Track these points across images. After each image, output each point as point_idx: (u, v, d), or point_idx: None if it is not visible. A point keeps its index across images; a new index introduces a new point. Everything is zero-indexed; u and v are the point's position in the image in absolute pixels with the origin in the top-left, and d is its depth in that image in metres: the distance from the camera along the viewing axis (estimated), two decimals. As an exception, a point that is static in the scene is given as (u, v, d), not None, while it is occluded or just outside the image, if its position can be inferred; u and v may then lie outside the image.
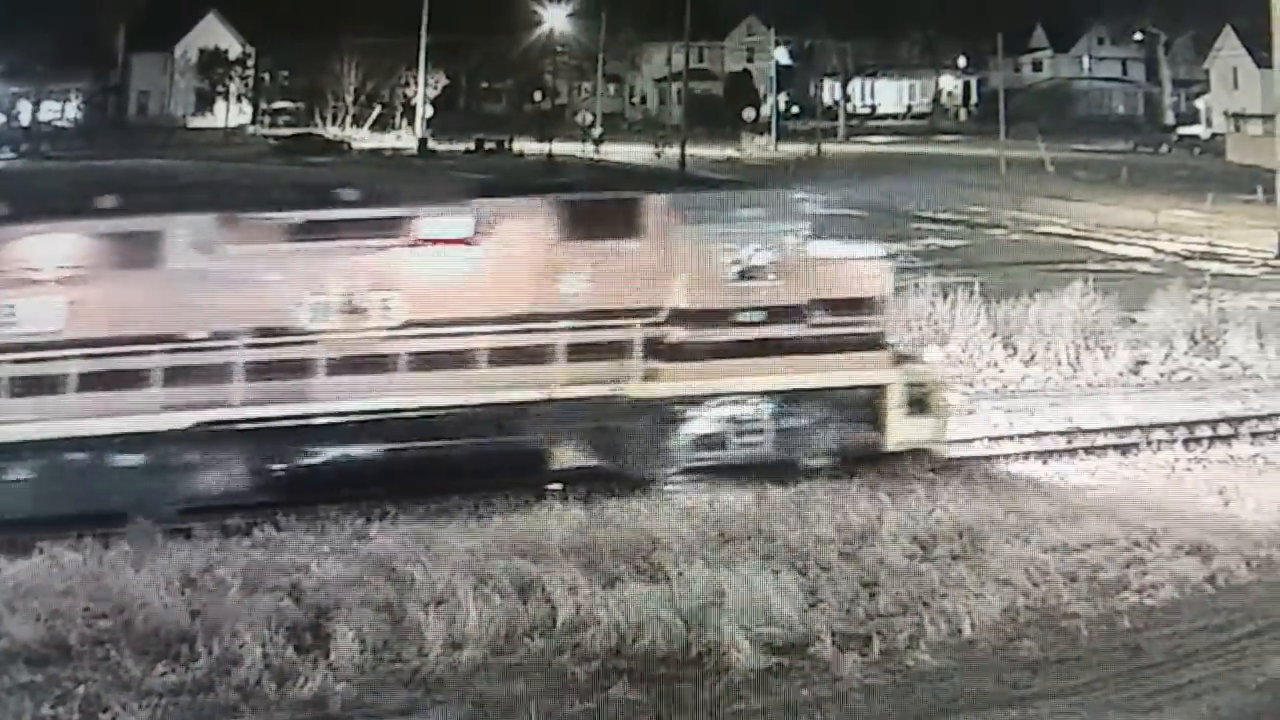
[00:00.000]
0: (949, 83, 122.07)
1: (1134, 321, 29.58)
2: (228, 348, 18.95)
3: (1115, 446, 21.90)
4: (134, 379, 18.71)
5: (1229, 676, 14.49)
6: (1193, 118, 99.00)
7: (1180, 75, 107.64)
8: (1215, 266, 38.97)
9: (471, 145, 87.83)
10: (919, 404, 20.85)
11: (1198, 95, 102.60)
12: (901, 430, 20.74)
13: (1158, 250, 44.75)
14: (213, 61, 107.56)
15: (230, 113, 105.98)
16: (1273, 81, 61.49)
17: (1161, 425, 22.62)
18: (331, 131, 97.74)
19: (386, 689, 13.98)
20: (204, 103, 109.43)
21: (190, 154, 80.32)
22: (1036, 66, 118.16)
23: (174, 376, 18.78)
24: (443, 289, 19.64)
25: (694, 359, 20.16)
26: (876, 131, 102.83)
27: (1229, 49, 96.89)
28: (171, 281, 19.00)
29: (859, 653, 14.75)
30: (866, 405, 20.74)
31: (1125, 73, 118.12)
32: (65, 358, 18.51)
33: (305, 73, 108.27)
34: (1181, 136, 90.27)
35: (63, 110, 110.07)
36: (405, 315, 19.38)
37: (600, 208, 21.06)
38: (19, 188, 46.30)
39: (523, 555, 16.63)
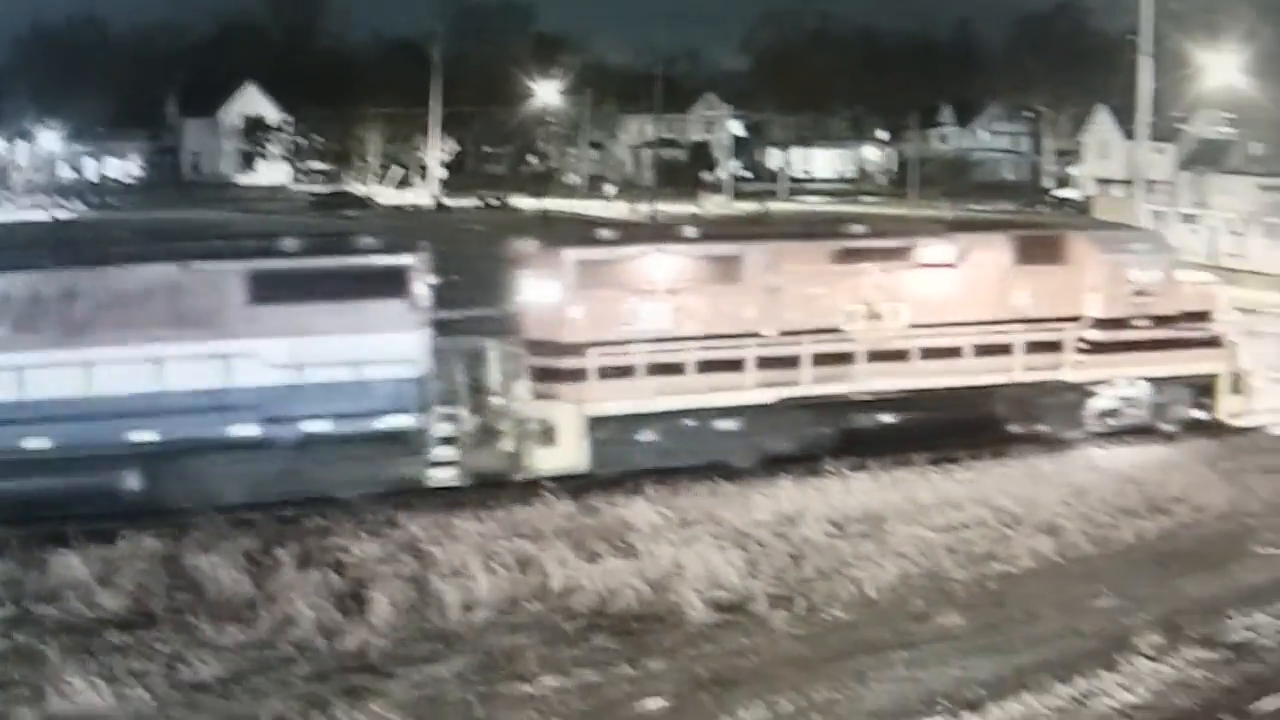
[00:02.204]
0: (872, 152, 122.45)
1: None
2: (796, 343, 20.74)
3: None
4: (733, 365, 20.49)
5: (1069, 625, 14.77)
6: (1068, 183, 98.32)
7: (1059, 147, 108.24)
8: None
9: (478, 202, 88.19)
10: (1237, 386, 23.35)
11: (1073, 163, 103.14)
12: (1227, 405, 23.37)
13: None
14: (254, 127, 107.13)
15: (271, 172, 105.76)
16: (1135, 152, 62.29)
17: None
18: (359, 189, 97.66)
19: (414, 643, 14.01)
20: (248, 163, 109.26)
21: (239, 208, 79.89)
22: (943, 139, 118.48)
23: (762, 364, 20.59)
24: (935, 300, 21.75)
25: (1105, 353, 22.38)
26: (812, 192, 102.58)
27: (1101, 124, 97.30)
28: (749, 292, 20.88)
29: (786, 609, 15.03)
30: (1207, 388, 23.19)
31: (1014, 144, 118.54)
32: (680, 349, 20.14)
33: (335, 138, 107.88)
34: (1059, 199, 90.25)
35: (125, 168, 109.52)
36: (910, 319, 21.49)
37: (1039, 240, 23.44)
38: (96, 237, 46.53)
39: (523, 537, 16.84)
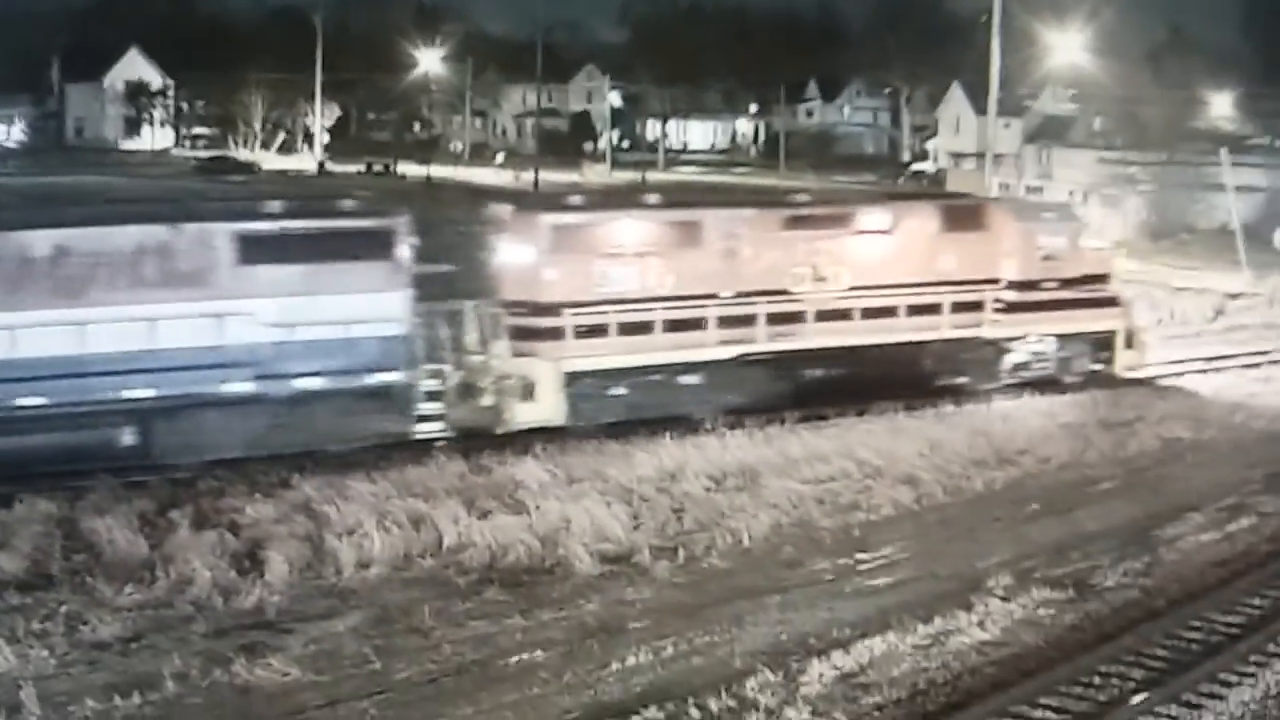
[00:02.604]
0: (744, 125, 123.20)
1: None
2: (752, 303, 21.32)
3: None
4: (696, 324, 21.08)
5: (927, 568, 15.17)
6: (924, 156, 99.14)
7: (916, 122, 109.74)
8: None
9: (363, 167, 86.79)
10: (1131, 342, 24.84)
11: (929, 138, 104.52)
12: (1123, 359, 24.89)
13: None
14: (137, 92, 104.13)
15: (155, 137, 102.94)
16: (986, 127, 63.58)
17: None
18: (243, 154, 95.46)
19: (311, 600, 13.87)
20: (132, 128, 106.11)
21: (124, 172, 77.03)
22: (809, 114, 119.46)
23: (722, 323, 21.17)
24: (872, 264, 22.52)
25: (1018, 312, 23.61)
26: (688, 163, 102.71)
27: (955, 101, 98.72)
28: (709, 257, 21.39)
29: (668, 560, 15.18)
30: (1105, 343, 24.60)
31: (875, 119, 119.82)
32: (648, 309, 20.59)
33: (219, 103, 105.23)
34: (915, 171, 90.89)
35: (9, 133, 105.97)
36: (850, 281, 22.21)
37: (962, 209, 24.75)
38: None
39: (416, 496, 16.61)
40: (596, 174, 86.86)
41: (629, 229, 21.10)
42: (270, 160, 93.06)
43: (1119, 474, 19.43)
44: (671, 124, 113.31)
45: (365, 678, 12.21)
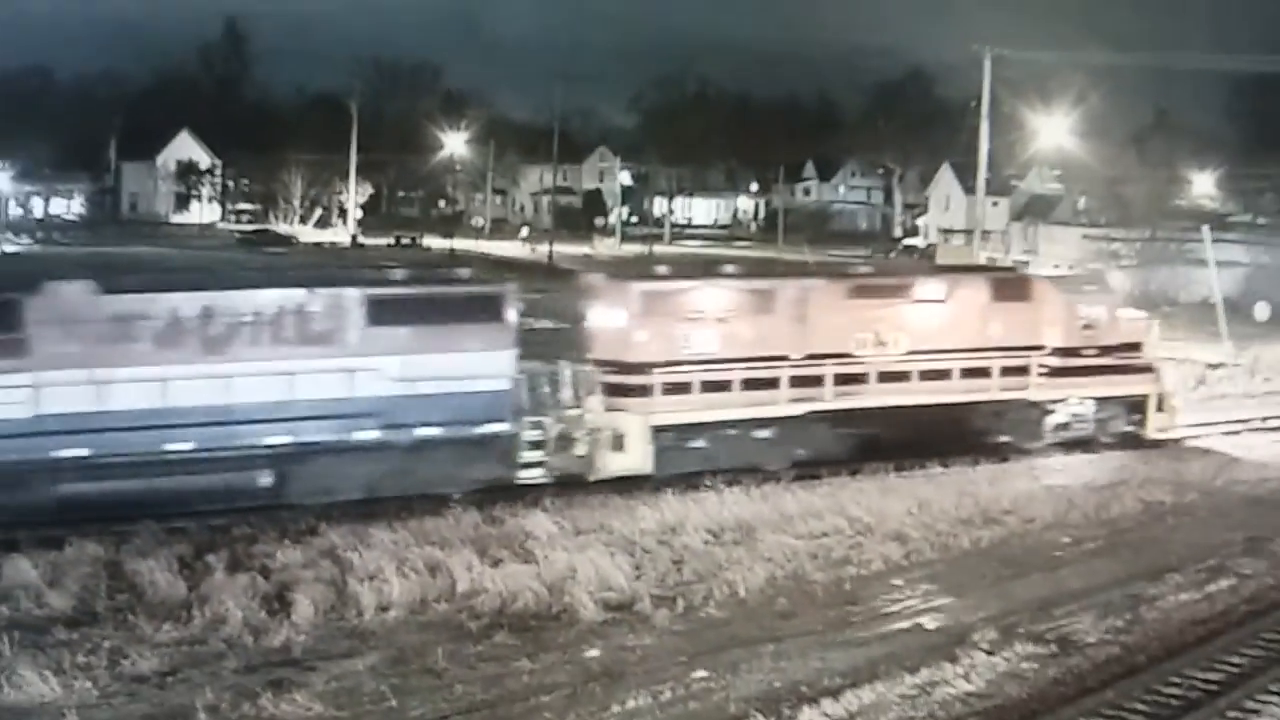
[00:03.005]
0: (744, 202, 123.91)
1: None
2: (820, 365, 21.91)
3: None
4: (770, 384, 21.61)
5: (915, 622, 14.98)
6: (915, 232, 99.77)
7: (908, 200, 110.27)
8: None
9: (392, 241, 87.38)
10: (1162, 405, 25.11)
11: (919, 215, 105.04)
12: (1154, 421, 25.16)
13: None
14: (187, 170, 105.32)
15: (203, 212, 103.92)
16: (974, 205, 63.78)
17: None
18: (283, 228, 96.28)
19: (333, 640, 13.90)
20: (182, 203, 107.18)
21: (174, 244, 77.94)
22: (806, 192, 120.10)
23: (793, 382, 21.70)
24: (929, 330, 23.11)
25: (1060, 376, 24.05)
26: (693, 237, 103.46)
27: (945, 180, 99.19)
28: (782, 322, 21.99)
29: (668, 608, 15.09)
30: (1139, 406, 24.91)
31: (869, 197, 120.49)
32: (727, 369, 21.19)
33: (261, 181, 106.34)
34: (906, 246, 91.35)
35: (69, 206, 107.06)
36: (908, 346, 22.77)
37: (1009, 281, 25.48)
38: (45, 270, 45.28)
39: (432, 544, 16.67)
40: (607, 247, 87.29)
41: (709, 295, 21.77)
42: (308, 234, 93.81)
43: (1102, 535, 19.19)
44: (677, 201, 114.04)
45: (382, 714, 12.16)
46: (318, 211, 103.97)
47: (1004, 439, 23.83)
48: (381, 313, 19.03)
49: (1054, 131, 64.39)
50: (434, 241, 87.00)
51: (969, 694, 12.82)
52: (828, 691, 12.71)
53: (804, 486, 20.60)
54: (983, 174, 56.51)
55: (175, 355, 17.91)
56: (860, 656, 13.80)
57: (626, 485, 20.11)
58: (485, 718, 12.11)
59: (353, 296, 19.08)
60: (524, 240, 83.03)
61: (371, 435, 18.80)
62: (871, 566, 17.06)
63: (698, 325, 21.28)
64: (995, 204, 78.03)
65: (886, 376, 22.55)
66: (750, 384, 21.35)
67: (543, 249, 79.42)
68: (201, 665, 13.06)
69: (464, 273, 21.45)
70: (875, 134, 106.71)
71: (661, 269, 23.59)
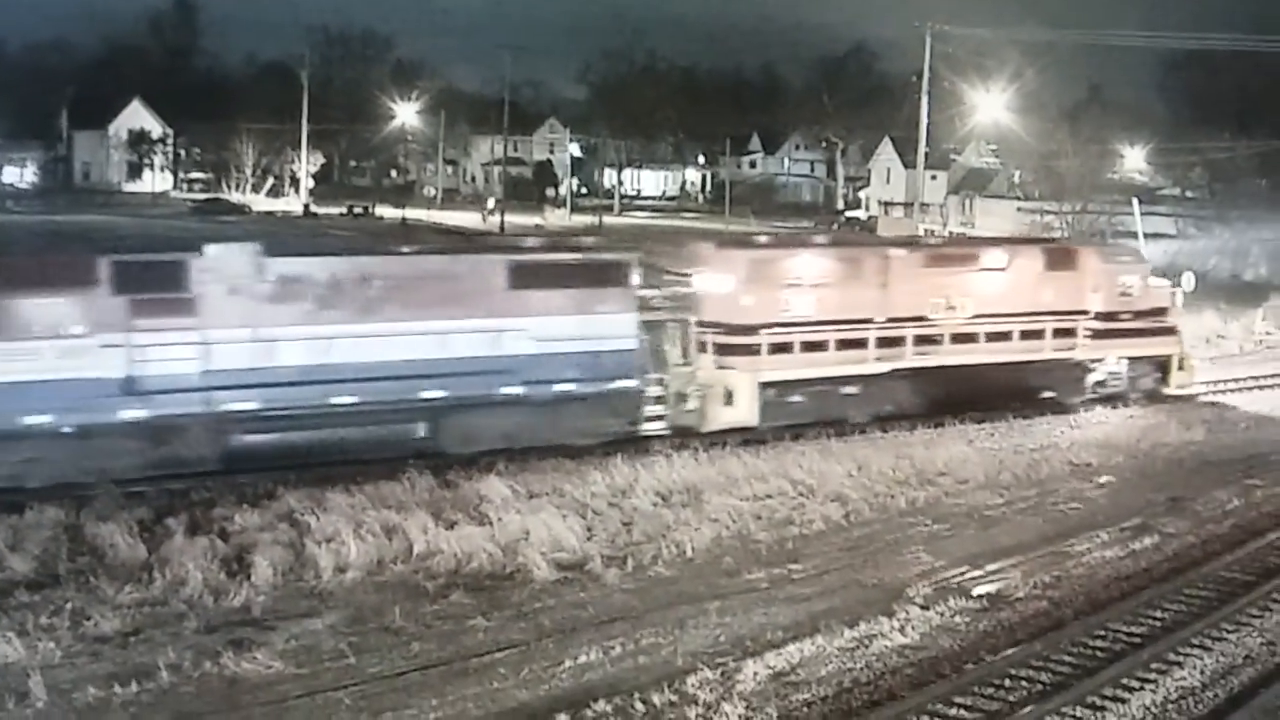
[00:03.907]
0: (692, 174, 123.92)
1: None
2: (901, 327, 23.41)
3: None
4: (859, 344, 23.08)
5: (853, 578, 15.25)
6: (857, 204, 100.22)
7: (850, 173, 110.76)
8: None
9: (344, 210, 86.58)
10: (1181, 365, 27.15)
11: (861, 188, 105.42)
12: (1175, 379, 27.14)
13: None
14: (139, 139, 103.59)
15: (155, 180, 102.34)
16: (914, 178, 64.26)
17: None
18: (235, 197, 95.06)
19: (292, 600, 13.90)
20: (134, 172, 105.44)
21: (126, 213, 77.12)
22: (752, 164, 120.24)
23: (879, 343, 23.18)
24: (991, 296, 24.63)
25: (1101, 338, 25.91)
26: (641, 209, 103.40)
27: (886, 154, 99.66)
28: (868, 288, 23.35)
29: (618, 568, 15.24)
30: (1163, 365, 26.96)
31: (813, 170, 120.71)
32: (822, 330, 22.62)
33: (213, 150, 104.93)
34: (848, 218, 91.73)
35: (21, 175, 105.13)
36: (974, 310, 24.31)
37: (1059, 251, 26.84)
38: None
39: (389, 508, 16.64)
40: (557, 217, 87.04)
41: (806, 263, 23.13)
42: (260, 203, 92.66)
43: (1032, 495, 19.49)
44: (626, 173, 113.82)
45: (341, 671, 12.23)
46: (270, 180, 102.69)
47: (1050, 394, 25.58)
48: (523, 278, 20.03)
49: (991, 107, 64.96)
50: (386, 211, 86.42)
51: (904, 646, 13.12)
52: (771, 645, 12.94)
53: (749, 450, 20.75)
54: (922, 148, 56.96)
55: (336, 315, 18.72)
56: (802, 612, 14.00)
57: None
58: (442, 674, 12.23)
59: (497, 262, 20.18)
60: (490, 212, 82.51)
61: (515, 390, 19.81)
62: (813, 526, 17.26)
63: (796, 290, 22.64)
64: (934, 177, 78.59)
65: (957, 338, 24.13)
66: (842, 344, 22.85)
67: (495, 219, 79.10)
68: (163, 625, 13.06)
69: (589, 241, 22.93)
70: (819, 108, 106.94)
71: (762, 238, 25.26)
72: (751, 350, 22.07)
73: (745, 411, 21.89)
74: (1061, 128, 67.34)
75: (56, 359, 17.18)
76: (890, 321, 23.38)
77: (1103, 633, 13.54)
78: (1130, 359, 26.54)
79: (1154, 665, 12.72)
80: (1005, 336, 24.69)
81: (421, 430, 19.38)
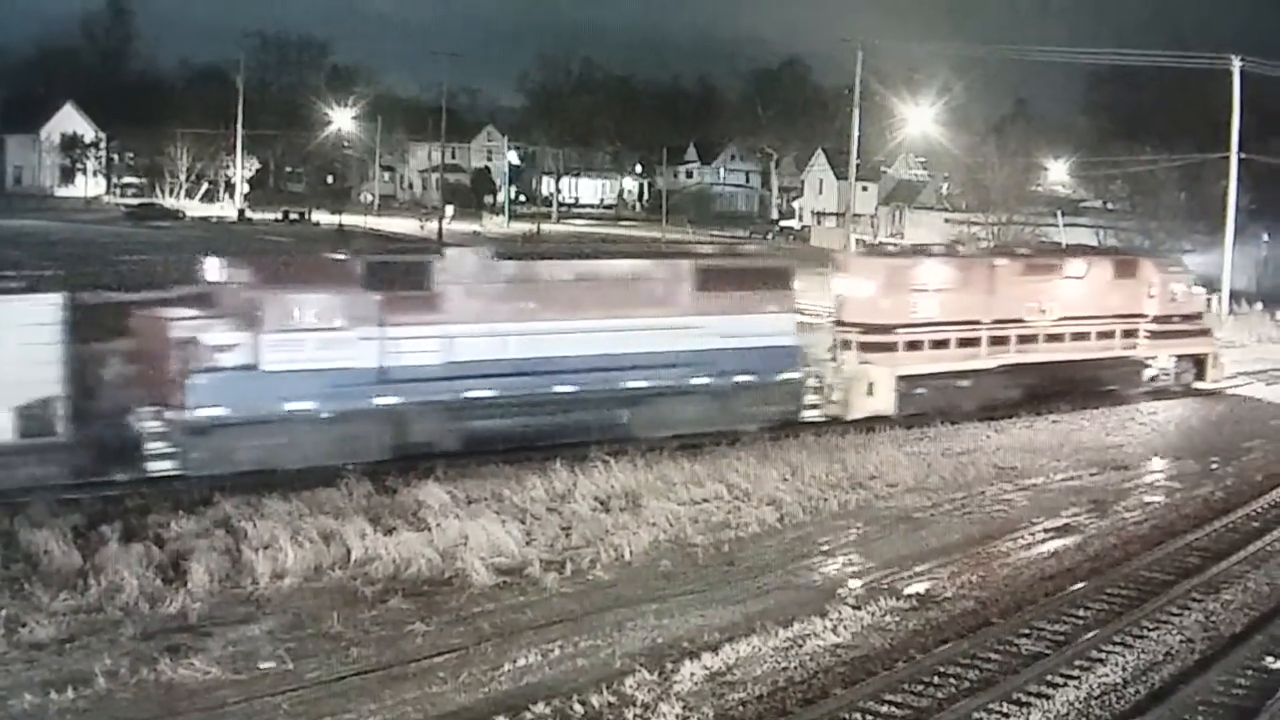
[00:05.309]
0: (629, 183, 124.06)
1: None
2: (1005, 327, 26.50)
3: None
4: (974, 342, 26.16)
5: (788, 580, 15.42)
6: (791, 214, 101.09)
7: (784, 183, 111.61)
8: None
9: (279, 215, 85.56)
10: (1214, 362, 30.89)
11: (795, 198, 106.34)
12: (1209, 375, 30.74)
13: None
14: (72, 143, 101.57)
15: (88, 185, 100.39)
16: (846, 190, 64.91)
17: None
18: (169, 202, 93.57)
19: (229, 607, 13.80)
20: (67, 176, 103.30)
21: (58, 217, 75.56)
22: (689, 174, 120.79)
23: (990, 341, 26.23)
24: (1074, 301, 27.85)
25: (1156, 338, 29.28)
26: (579, 217, 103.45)
27: (819, 165, 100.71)
28: (978, 293, 26.40)
29: (557, 572, 15.29)
30: (1200, 362, 30.59)
31: (748, 181, 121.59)
32: (945, 330, 25.59)
33: (147, 154, 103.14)
34: (782, 228, 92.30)
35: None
36: (1059, 313, 27.53)
37: (1125, 261, 30.21)
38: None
39: (326, 514, 16.53)
40: (495, 224, 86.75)
41: (930, 270, 26.16)
42: (194, 208, 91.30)
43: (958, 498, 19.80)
44: (563, 181, 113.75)
45: (279, 677, 12.19)
46: (204, 186, 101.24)
47: (1116, 387, 28.86)
48: (708, 280, 22.25)
49: (920, 120, 65.86)
50: (323, 217, 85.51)
51: (837, 645, 13.29)
52: (708, 646, 13.04)
53: (687, 455, 20.83)
54: (854, 160, 57.61)
55: (556, 313, 20.55)
56: (738, 613, 14.13)
57: (513, 458, 20.23)
58: (381, 679, 12.18)
59: (686, 267, 22.25)
60: (449, 219, 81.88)
61: (704, 381, 22.05)
62: (749, 529, 17.43)
63: (922, 295, 25.56)
64: (865, 189, 79.47)
65: (1049, 337, 27.22)
66: (961, 342, 25.79)
67: (432, 225, 78.62)
68: (99, 632, 12.91)
69: (754, 249, 25.73)
70: (754, 120, 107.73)
71: (891, 248, 29.15)
72: (890, 348, 24.88)
73: (884, 401, 24.55)
74: (988, 141, 68.42)
75: (317, 350, 18.60)
76: (996, 322, 26.33)
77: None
78: (1176, 357, 29.78)
79: (1078, 662, 12.88)
80: (1085, 336, 27.91)
81: (625, 417, 21.25)
